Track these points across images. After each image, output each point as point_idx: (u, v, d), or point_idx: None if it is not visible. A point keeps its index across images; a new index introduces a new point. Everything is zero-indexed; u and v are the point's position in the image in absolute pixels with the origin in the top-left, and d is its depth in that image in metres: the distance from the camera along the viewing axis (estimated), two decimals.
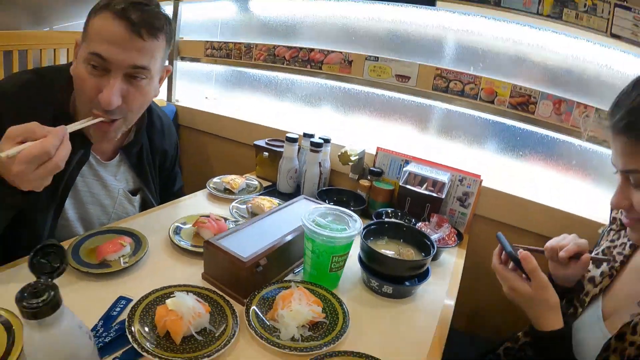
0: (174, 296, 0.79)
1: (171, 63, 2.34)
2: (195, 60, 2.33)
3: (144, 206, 1.32)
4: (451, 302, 1.06)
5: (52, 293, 0.48)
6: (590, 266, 0.98)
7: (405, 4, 1.64)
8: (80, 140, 1.03)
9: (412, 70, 1.66)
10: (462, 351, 1.25)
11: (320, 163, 1.52)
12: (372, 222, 1.14)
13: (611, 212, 1.04)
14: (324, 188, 1.56)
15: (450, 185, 1.48)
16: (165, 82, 1.51)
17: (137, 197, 1.29)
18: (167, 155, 1.38)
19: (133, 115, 1.05)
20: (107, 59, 0.91)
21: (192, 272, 0.99)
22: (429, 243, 1.09)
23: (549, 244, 0.96)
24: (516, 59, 1.58)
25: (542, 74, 1.54)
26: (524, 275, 0.84)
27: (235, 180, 1.51)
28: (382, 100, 1.83)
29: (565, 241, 0.95)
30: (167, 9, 2.19)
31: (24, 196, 0.82)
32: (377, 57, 1.72)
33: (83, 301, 0.84)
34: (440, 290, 1.10)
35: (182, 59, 2.37)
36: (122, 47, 0.91)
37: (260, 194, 1.49)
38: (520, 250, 0.86)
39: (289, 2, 2.00)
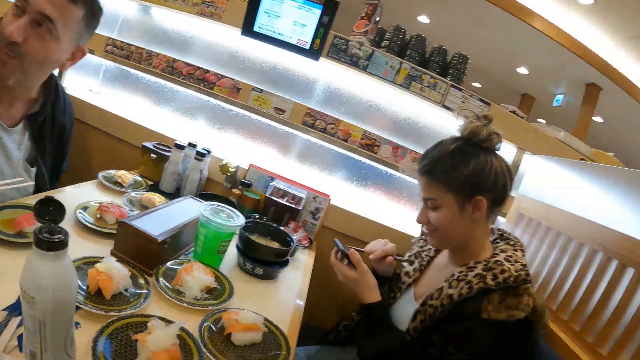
0: (100, 262, 1.02)
1: None
2: (90, 52, 2.39)
3: (37, 180, 1.39)
4: (305, 288, 1.43)
5: (65, 233, 0.66)
6: (406, 264, 1.43)
7: (295, 52, 2.01)
8: None
9: (288, 106, 2.06)
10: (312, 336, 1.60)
11: (201, 170, 1.80)
12: (248, 219, 1.47)
13: (422, 227, 1.52)
14: (202, 192, 1.84)
15: (306, 201, 1.87)
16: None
17: (34, 169, 1.37)
18: (65, 131, 1.50)
19: (30, 64, 1.16)
20: (27, 1, 1.08)
21: (99, 249, 1.19)
22: (289, 239, 1.46)
23: (367, 247, 1.40)
24: (371, 109, 2.12)
25: (389, 124, 2.11)
26: (351, 266, 1.25)
27: (126, 175, 1.71)
28: (258, 124, 2.20)
29: (378, 246, 1.39)
30: None
31: None
32: (262, 90, 2.09)
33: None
34: (297, 276, 1.48)
35: None
36: None
37: (147, 191, 1.72)
38: (350, 248, 1.27)
39: (187, 17, 2.22)
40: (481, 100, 1.99)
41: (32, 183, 1.32)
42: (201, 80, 2.16)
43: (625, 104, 6.89)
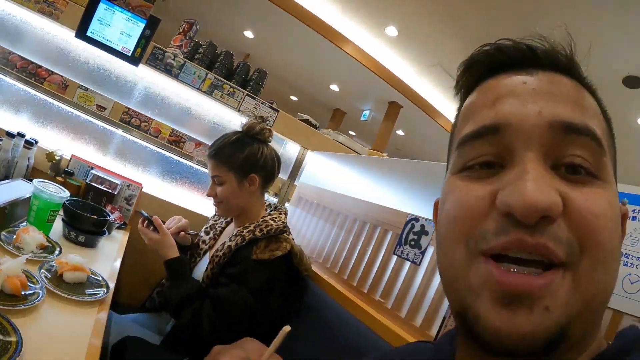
0: None
1: None
2: None
3: None
4: (120, 255, 1.79)
5: None
6: (203, 234, 1.86)
7: (119, 58, 2.34)
8: None
9: (109, 104, 2.40)
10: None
11: (28, 158, 2.04)
12: (72, 198, 1.78)
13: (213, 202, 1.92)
14: (29, 179, 2.05)
15: (121, 188, 2.22)
16: None
17: None
18: None
19: None
20: None
21: None
22: (106, 214, 1.82)
23: (167, 222, 1.76)
24: (180, 111, 2.58)
25: (195, 124, 2.61)
26: (155, 231, 1.61)
27: None
28: (82, 120, 2.47)
29: (172, 223, 1.77)
30: None
31: None
32: (87, 88, 2.38)
33: None
34: (113, 248, 1.83)
35: None
36: None
37: None
38: (153, 216, 1.64)
39: (26, 12, 2.35)
40: (271, 107, 2.60)
41: None
42: (33, 74, 2.33)
43: (422, 120, 8.48)
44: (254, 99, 2.56)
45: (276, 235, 1.53)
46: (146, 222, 1.64)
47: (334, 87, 8.95)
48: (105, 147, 2.55)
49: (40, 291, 1.18)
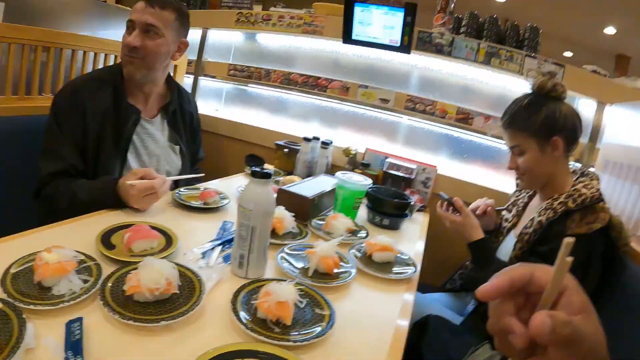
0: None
1: (196, 80, 2.96)
2: (213, 77, 2.97)
3: (182, 156, 1.74)
4: (424, 235, 1.72)
5: (269, 170, 1.04)
6: (505, 212, 1.66)
7: (389, 50, 2.36)
8: (132, 109, 1.54)
9: (390, 95, 2.39)
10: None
11: (327, 157, 2.17)
12: (373, 186, 1.79)
13: (516, 181, 1.73)
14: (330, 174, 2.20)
15: (416, 172, 2.16)
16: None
17: (177, 147, 1.72)
18: (193, 117, 1.85)
19: (149, 59, 1.49)
20: (133, 20, 1.47)
21: None
22: (407, 197, 1.76)
23: (471, 205, 1.63)
24: (461, 88, 2.38)
25: (479, 98, 2.36)
26: (456, 213, 1.49)
27: (269, 167, 2.14)
28: (367, 115, 2.57)
29: (480, 202, 1.64)
30: (196, 34, 2.84)
31: (119, 203, 1.34)
32: (367, 85, 2.45)
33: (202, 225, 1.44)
34: (416, 230, 1.77)
35: (205, 76, 2.98)
36: (140, 11, 1.46)
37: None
38: (453, 198, 1.50)
39: (289, 37, 2.71)
40: (555, 63, 2.15)
41: (203, 175, 1.72)
42: (314, 86, 2.59)
43: None
44: (534, 58, 2.18)
45: (592, 205, 1.26)
46: (445, 204, 1.53)
47: (609, 30, 7.37)
48: (395, 136, 2.57)
49: (352, 270, 1.17)
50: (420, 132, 2.51)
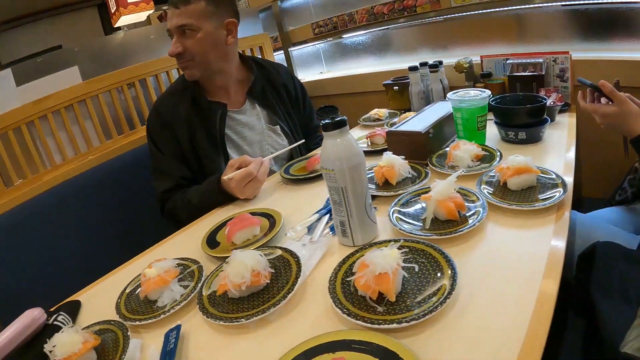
0: (381, 160, 1.21)
1: (287, 52, 2.87)
2: (304, 43, 2.83)
3: (285, 134, 1.67)
4: (572, 142, 1.34)
5: (340, 114, 0.88)
6: None
7: None
8: (215, 104, 1.52)
9: None
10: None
11: (440, 80, 1.90)
12: (496, 97, 1.50)
13: None
14: None
15: (547, 66, 1.77)
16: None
17: (277, 127, 1.65)
18: (289, 88, 1.73)
19: (200, 57, 1.45)
20: (169, 29, 1.44)
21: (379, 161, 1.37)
22: (540, 99, 1.42)
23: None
24: None
25: None
26: (608, 103, 1.13)
27: (381, 111, 1.95)
28: (471, 22, 2.21)
29: None
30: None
31: (229, 198, 1.35)
32: None
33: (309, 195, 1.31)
34: (562, 136, 1.39)
35: (294, 45, 2.86)
36: (170, 17, 1.42)
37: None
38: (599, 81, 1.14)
39: None
40: None
41: (303, 140, 1.62)
42: (402, 10, 2.29)
43: None
44: None
45: None
46: (589, 92, 1.19)
47: None
48: (509, 33, 2.15)
49: (481, 209, 0.95)
50: (538, 19, 2.06)
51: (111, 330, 0.80)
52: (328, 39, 2.75)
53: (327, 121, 0.86)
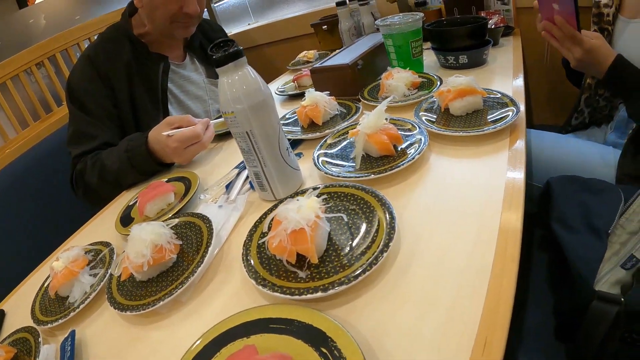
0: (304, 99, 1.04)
1: (209, 7, 2.62)
2: None
3: None
4: (520, 65, 1.18)
5: (236, 45, 0.68)
6: None
7: None
8: (157, 57, 1.31)
9: None
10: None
11: (372, 13, 1.72)
12: (431, 22, 1.34)
13: None
14: None
15: None
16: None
17: (218, 80, 1.51)
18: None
19: (199, 17, 1.31)
20: None
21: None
22: (480, 17, 1.27)
23: None
24: None
25: None
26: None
27: (309, 52, 1.77)
28: None
29: None
30: None
31: (160, 166, 1.09)
32: None
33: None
34: (508, 59, 1.25)
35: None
36: None
37: None
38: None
39: None
40: None
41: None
42: None
43: None
44: None
45: None
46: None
47: None
48: None
49: (422, 138, 0.79)
50: None
51: (25, 339, 0.67)
52: None
53: (218, 55, 0.66)
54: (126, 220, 0.90)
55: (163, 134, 1.02)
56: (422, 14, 1.17)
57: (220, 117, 1.36)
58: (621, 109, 1.18)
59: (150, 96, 1.29)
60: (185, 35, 1.35)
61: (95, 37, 1.36)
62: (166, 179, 0.99)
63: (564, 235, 0.74)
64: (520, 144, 0.74)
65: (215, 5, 2.66)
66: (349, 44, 1.46)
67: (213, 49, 0.69)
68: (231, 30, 2.67)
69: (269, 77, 1.72)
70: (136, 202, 0.92)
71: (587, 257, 0.69)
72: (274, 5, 2.58)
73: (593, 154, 1.10)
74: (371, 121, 0.77)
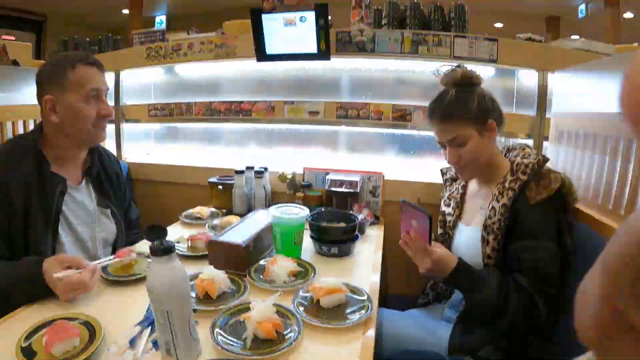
0: (202, 273, 1.24)
1: (117, 127, 2.76)
2: (137, 121, 2.76)
3: (115, 219, 1.64)
4: (379, 260, 1.54)
5: (172, 242, 0.87)
6: (444, 208, 1.60)
7: (308, 60, 2.24)
8: (57, 178, 1.41)
9: (319, 107, 2.27)
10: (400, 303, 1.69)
11: (264, 186, 2.02)
12: (314, 212, 1.65)
13: (442, 177, 1.70)
14: (270, 204, 2.04)
15: (363, 183, 2.03)
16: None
17: (108, 210, 1.62)
18: (119, 176, 1.74)
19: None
20: (100, 89, 1.44)
21: (198, 268, 1.35)
22: (353, 217, 1.62)
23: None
24: (393, 84, 2.28)
25: (414, 92, 2.26)
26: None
27: (203, 209, 1.96)
28: (300, 131, 2.43)
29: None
30: (109, 77, 2.56)
31: (43, 292, 1.16)
32: (293, 101, 2.31)
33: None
34: (370, 249, 1.62)
35: (127, 121, 2.76)
36: (102, 80, 1.46)
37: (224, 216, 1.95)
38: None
39: (208, 64, 2.53)
40: (487, 39, 2.07)
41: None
42: (239, 111, 2.43)
43: None
44: (464, 37, 2.09)
45: (540, 170, 1.31)
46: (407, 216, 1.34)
47: None
48: (334, 148, 2.44)
49: (297, 327, 1.02)
50: (360, 138, 2.39)
51: None
52: (162, 123, 2.73)
53: (156, 245, 0.85)
54: (28, 351, 0.94)
55: (54, 276, 1.13)
56: (308, 212, 1.47)
57: (112, 258, 1.41)
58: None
59: (44, 215, 1.36)
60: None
61: None
62: (69, 317, 1.05)
63: None
64: (371, 333, 1.03)
65: (124, 124, 2.79)
66: (239, 211, 1.71)
67: (147, 232, 0.88)
68: (129, 155, 2.77)
69: (162, 217, 1.87)
70: (37, 331, 0.99)
71: None
72: (177, 141, 2.80)
73: (430, 330, 1.44)
74: (262, 310, 0.98)
